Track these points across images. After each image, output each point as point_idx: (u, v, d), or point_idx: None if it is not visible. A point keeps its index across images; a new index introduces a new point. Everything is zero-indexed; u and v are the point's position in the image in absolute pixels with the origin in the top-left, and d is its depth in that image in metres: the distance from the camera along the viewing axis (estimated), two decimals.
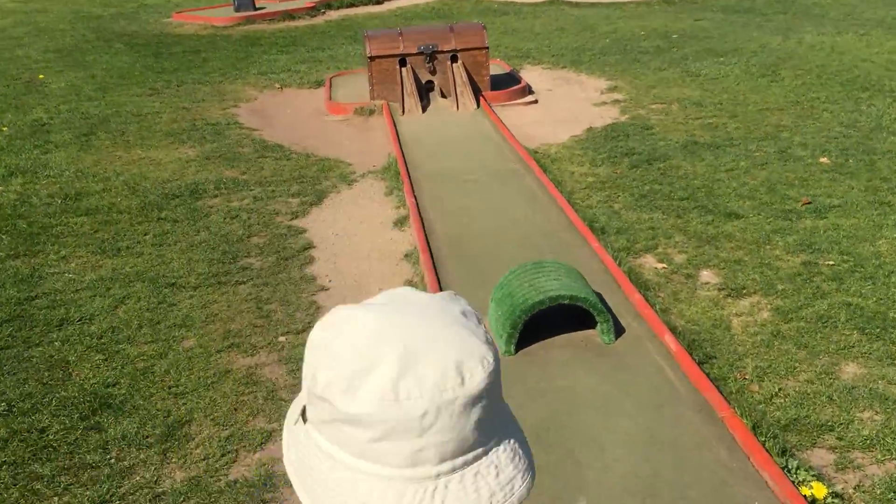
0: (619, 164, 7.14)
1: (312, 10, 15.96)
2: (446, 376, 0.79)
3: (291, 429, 0.90)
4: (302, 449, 0.87)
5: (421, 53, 9.07)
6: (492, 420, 0.83)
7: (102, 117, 8.97)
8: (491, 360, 0.83)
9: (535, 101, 9.34)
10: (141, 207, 6.44)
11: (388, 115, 8.64)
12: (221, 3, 17.50)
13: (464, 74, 9.05)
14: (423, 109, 8.79)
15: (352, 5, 16.84)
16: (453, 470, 0.81)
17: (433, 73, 9.15)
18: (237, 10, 15.65)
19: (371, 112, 8.98)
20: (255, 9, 15.81)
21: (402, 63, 9.08)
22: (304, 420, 0.88)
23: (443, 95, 9.12)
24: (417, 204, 6.18)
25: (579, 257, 5.21)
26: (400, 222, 6.06)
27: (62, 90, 10.18)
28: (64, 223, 6.16)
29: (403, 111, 8.74)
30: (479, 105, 8.83)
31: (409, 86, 8.95)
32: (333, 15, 16.05)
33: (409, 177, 6.78)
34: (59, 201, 6.57)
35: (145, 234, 5.94)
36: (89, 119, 8.91)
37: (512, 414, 0.90)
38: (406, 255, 5.52)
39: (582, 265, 4.91)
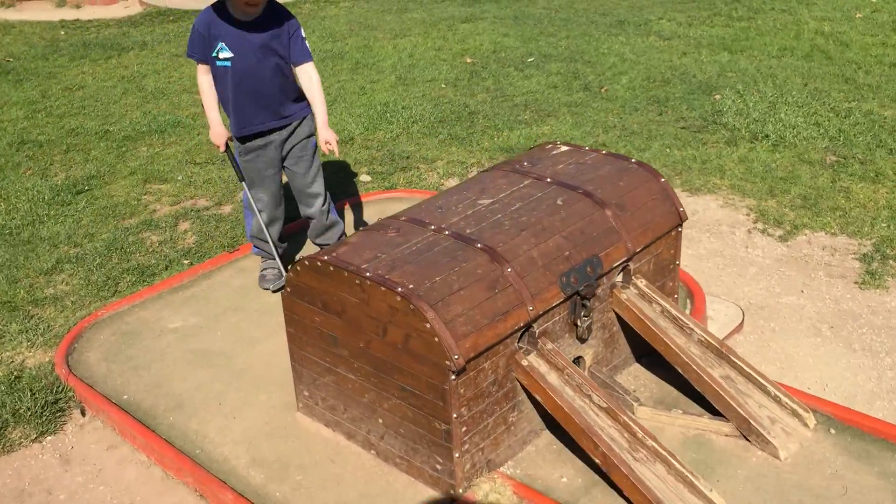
0: None
1: None
2: None
3: None
4: None
5: (574, 296, 2.71)
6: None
7: None
8: None
9: (742, 323, 3.65)
10: None
11: None
12: None
13: (688, 321, 2.97)
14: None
15: None
16: None
17: (584, 335, 2.86)
18: None
19: None
20: None
21: (528, 340, 2.63)
22: None
23: (618, 392, 2.92)
24: None
25: None
26: None
27: None
28: None
29: None
30: (808, 415, 2.86)
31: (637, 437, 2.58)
32: None
33: None
34: None
35: None
36: None
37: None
38: None
39: None
